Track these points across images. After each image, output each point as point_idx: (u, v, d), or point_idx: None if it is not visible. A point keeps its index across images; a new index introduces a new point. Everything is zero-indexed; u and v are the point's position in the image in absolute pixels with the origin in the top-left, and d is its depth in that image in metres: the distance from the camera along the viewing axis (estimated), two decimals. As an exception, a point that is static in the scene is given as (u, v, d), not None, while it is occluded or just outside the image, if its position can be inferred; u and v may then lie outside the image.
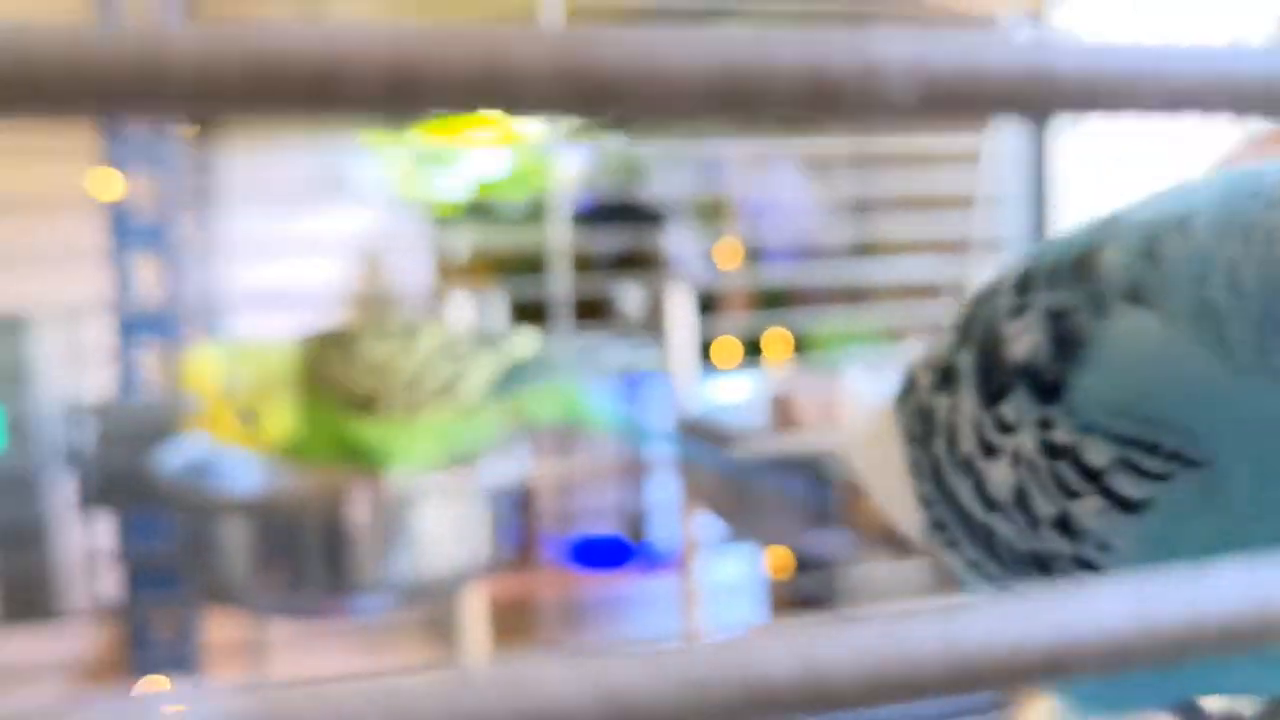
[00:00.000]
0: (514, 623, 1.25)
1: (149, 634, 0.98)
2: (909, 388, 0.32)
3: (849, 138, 1.21)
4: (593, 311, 0.99)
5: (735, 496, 0.80)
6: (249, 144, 0.84)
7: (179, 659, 0.99)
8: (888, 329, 1.36)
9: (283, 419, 0.61)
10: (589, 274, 0.97)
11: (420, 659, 1.00)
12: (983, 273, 1.23)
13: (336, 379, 0.62)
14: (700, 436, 0.81)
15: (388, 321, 0.67)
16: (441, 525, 0.66)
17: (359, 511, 0.62)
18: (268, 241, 0.87)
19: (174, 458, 0.71)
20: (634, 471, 0.92)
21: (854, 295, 1.53)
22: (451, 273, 1.84)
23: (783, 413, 0.68)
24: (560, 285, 0.93)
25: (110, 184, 0.95)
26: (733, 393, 0.90)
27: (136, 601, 0.92)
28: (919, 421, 0.31)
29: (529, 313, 1.07)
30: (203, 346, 0.62)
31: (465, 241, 1.61)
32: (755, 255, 1.74)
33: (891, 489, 0.33)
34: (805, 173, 1.69)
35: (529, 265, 1.88)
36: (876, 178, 1.46)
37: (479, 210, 1.92)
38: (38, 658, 1.29)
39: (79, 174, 0.96)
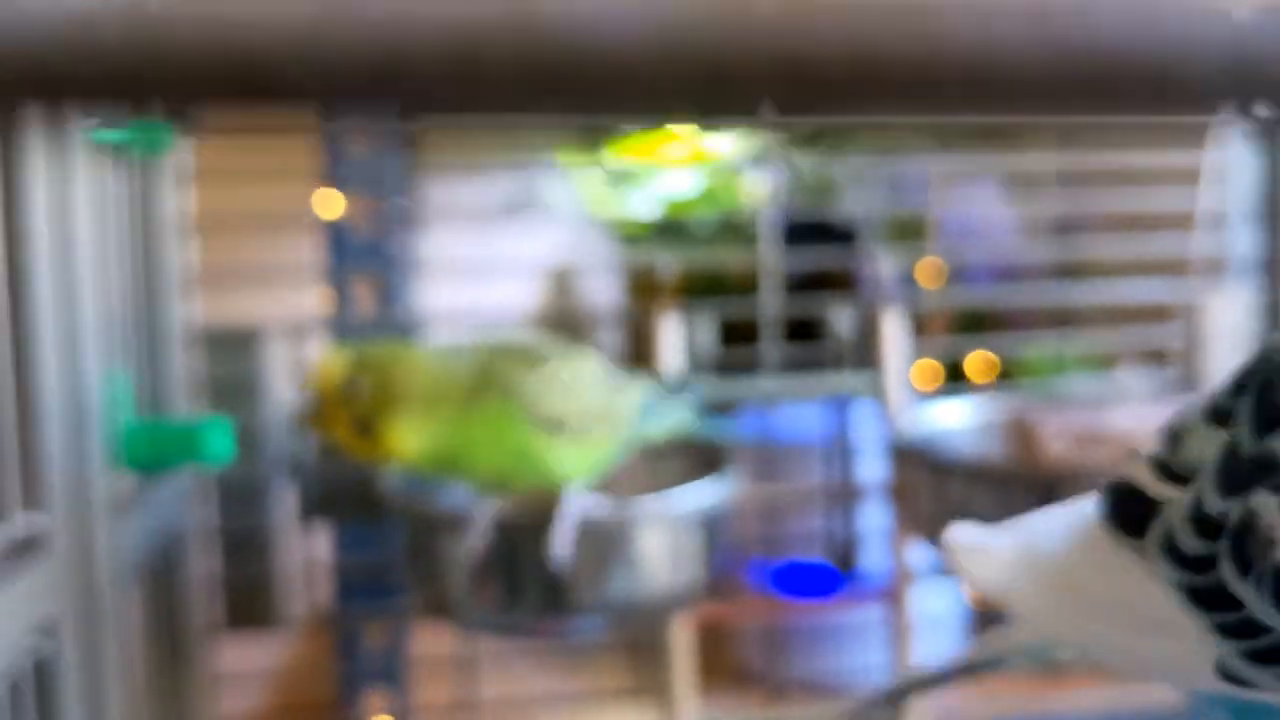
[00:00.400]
0: (718, 650, 1.23)
1: (359, 645, 1.00)
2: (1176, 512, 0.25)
3: (1055, 154, 1.16)
4: (801, 333, 0.96)
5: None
6: (447, 163, 0.85)
7: (387, 671, 1.01)
8: (1098, 354, 1.29)
9: (408, 430, 0.60)
10: (790, 295, 0.94)
11: (624, 684, 0.99)
12: (1207, 296, 1.16)
13: (524, 394, 0.61)
14: (921, 462, 0.77)
15: (572, 342, 0.66)
16: (656, 549, 0.65)
17: (576, 533, 0.62)
18: (464, 260, 0.88)
19: (396, 469, 0.72)
20: (844, 497, 0.89)
21: (1062, 318, 1.46)
22: (643, 292, 1.84)
23: (1022, 440, 0.64)
24: (768, 306, 0.91)
25: (331, 203, 0.98)
26: (952, 417, 0.86)
27: (350, 612, 0.94)
28: (1209, 534, 0.25)
29: (736, 333, 1.06)
30: (332, 350, 0.61)
31: (659, 260, 1.61)
32: (955, 276, 1.68)
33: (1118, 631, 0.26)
34: (1008, 190, 1.62)
35: (731, 285, 1.87)
36: (1084, 196, 1.39)
37: (670, 229, 1.92)
38: (250, 665, 1.34)
39: (305, 194, 0.99)
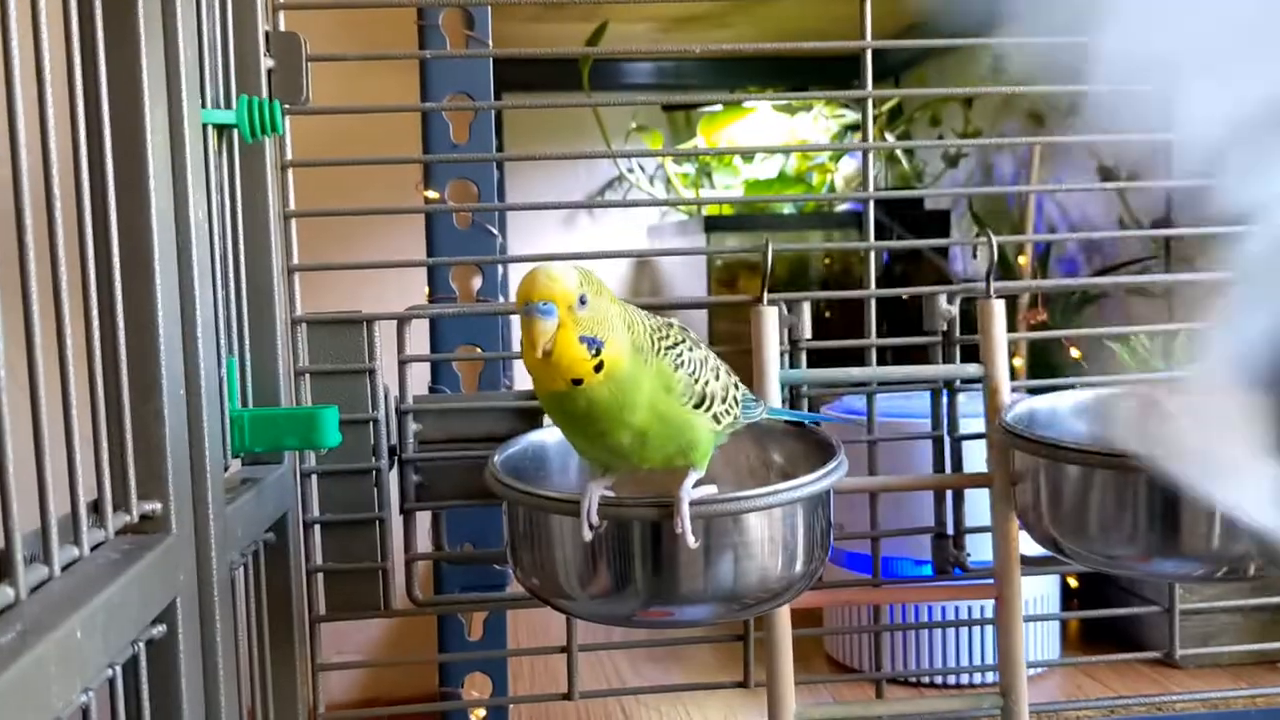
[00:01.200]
0: (816, 640, 1.22)
1: (460, 633, 1.01)
2: None
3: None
4: (897, 319, 0.94)
5: (1069, 514, 0.74)
6: (534, 151, 0.85)
7: (488, 659, 1.01)
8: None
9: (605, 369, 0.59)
10: (885, 281, 0.92)
11: (720, 674, 0.98)
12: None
13: (681, 365, 0.62)
14: (1031, 449, 0.75)
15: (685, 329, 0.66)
16: (767, 537, 0.64)
17: (690, 520, 0.61)
18: (549, 249, 0.88)
19: (508, 455, 0.72)
20: (948, 485, 0.87)
21: (1153, 305, 1.42)
22: (725, 277, 1.83)
23: (1148, 424, 0.62)
24: (866, 292, 0.90)
25: (430, 193, 0.99)
26: (1059, 403, 0.84)
27: (452, 599, 0.94)
28: None
29: (832, 320, 1.04)
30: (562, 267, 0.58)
31: (748, 245, 1.59)
32: (1044, 262, 1.65)
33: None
34: (1098, 177, 1.58)
35: (823, 272, 1.84)
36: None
37: (756, 214, 1.91)
38: (352, 651, 1.36)
39: (407, 184, 1.00)
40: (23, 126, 0.42)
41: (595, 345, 0.57)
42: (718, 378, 0.64)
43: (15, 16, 0.42)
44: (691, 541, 0.60)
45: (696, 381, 0.63)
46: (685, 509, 0.60)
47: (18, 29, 0.42)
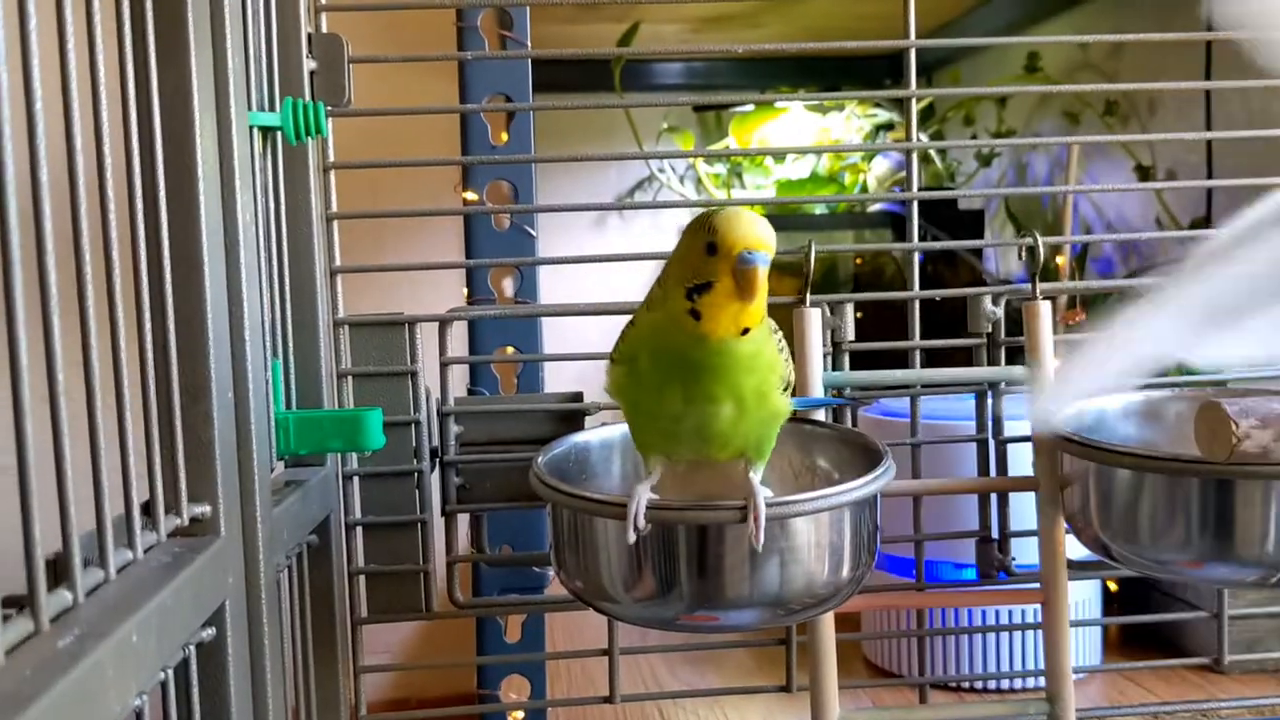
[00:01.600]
0: (857, 644, 1.21)
1: (499, 635, 1.01)
2: None
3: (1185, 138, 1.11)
4: (937, 320, 0.93)
5: (1119, 518, 0.73)
6: (566, 152, 0.85)
7: (526, 662, 1.01)
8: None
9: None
10: (925, 283, 0.91)
11: (760, 679, 0.97)
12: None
13: (783, 356, 0.62)
14: (1080, 452, 0.74)
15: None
16: (816, 541, 0.63)
17: (738, 523, 0.60)
18: (586, 250, 0.88)
19: (552, 457, 0.71)
20: (993, 488, 0.86)
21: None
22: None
23: (1209, 429, 0.61)
24: (910, 294, 0.89)
25: (469, 195, 0.99)
26: (1102, 405, 0.83)
27: (494, 601, 0.94)
28: None
29: (872, 321, 1.03)
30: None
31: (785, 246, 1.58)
32: (1081, 263, 1.63)
33: None
34: (1135, 177, 1.57)
35: (859, 272, 1.83)
36: (1223, 174, 1.33)
37: (786, 214, 1.90)
38: (393, 653, 1.36)
39: (439, 191, 1.00)
40: (79, 131, 0.42)
41: None
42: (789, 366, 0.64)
43: (72, 26, 0.42)
44: (760, 545, 0.59)
45: (787, 364, 0.63)
46: (762, 509, 0.59)
47: (74, 38, 0.42)
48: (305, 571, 0.74)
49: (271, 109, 0.71)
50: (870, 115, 2.03)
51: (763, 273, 0.56)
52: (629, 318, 0.65)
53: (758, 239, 0.57)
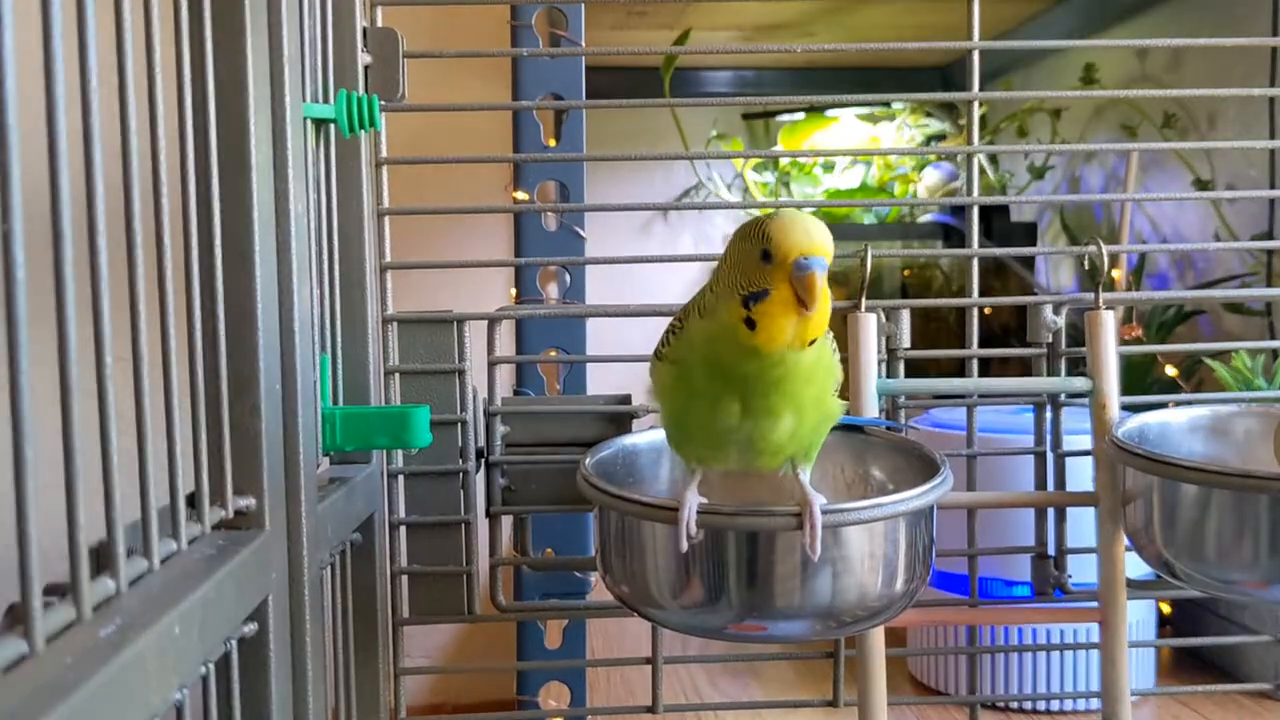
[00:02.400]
0: (901, 659, 1.19)
1: (540, 638, 1.00)
2: None
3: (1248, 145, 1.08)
4: (993, 330, 0.91)
5: (1184, 535, 0.71)
6: (615, 156, 0.84)
7: (566, 668, 1.00)
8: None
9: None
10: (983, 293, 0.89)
11: (802, 693, 0.95)
12: None
13: (836, 362, 0.61)
14: (1144, 466, 0.72)
15: None
16: (870, 552, 0.61)
17: (792, 530, 0.58)
18: (632, 253, 0.86)
19: (600, 459, 0.70)
20: (1053, 503, 0.84)
21: (1249, 322, 1.37)
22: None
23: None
24: (969, 300, 0.87)
25: (519, 194, 0.98)
26: (1166, 419, 0.80)
27: (536, 606, 0.93)
28: None
29: (927, 331, 1.01)
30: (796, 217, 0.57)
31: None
32: (1137, 277, 1.60)
33: None
34: (1194, 189, 1.54)
35: (910, 282, 1.81)
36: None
37: (834, 222, 1.88)
38: (433, 654, 1.35)
39: (486, 190, 1.00)
40: (134, 123, 0.42)
41: None
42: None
43: (130, 16, 0.41)
44: (815, 554, 0.58)
45: (839, 364, 0.61)
46: (818, 515, 0.57)
47: (131, 28, 0.41)
48: (348, 570, 0.73)
49: (326, 101, 0.70)
50: (922, 125, 2.01)
51: (821, 278, 0.53)
52: (671, 318, 0.63)
53: (815, 244, 0.53)
